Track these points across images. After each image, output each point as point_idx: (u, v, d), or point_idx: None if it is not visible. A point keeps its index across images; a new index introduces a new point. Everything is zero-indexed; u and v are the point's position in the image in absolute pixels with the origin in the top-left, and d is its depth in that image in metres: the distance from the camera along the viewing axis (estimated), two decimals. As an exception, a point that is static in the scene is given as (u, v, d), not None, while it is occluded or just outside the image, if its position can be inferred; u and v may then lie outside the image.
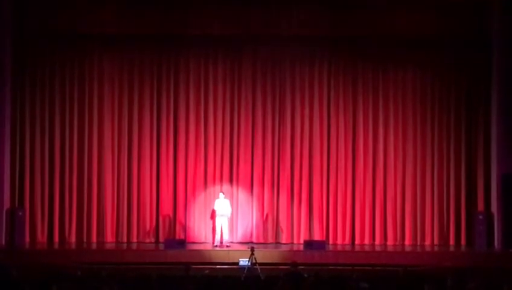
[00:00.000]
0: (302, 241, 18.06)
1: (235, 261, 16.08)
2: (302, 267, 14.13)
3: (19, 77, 18.28)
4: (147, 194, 18.53)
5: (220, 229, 17.59)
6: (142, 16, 18.04)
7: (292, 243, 18.46)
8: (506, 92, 17.74)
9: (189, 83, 18.76)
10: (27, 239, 17.93)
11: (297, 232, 18.57)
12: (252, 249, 15.17)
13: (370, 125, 18.73)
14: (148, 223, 18.50)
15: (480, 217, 17.76)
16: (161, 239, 18.27)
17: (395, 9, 18.10)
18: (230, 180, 18.65)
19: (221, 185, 18.50)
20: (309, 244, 17.47)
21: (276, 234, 18.57)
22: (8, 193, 17.92)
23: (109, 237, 18.37)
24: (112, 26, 18.07)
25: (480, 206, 18.20)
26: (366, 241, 18.48)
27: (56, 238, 18.25)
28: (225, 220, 17.64)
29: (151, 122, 18.65)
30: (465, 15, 18.00)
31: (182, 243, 17.46)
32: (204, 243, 18.25)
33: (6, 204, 17.83)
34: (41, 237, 18.24)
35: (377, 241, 18.46)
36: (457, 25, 18.00)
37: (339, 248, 18.17)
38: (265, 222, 18.57)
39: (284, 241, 18.50)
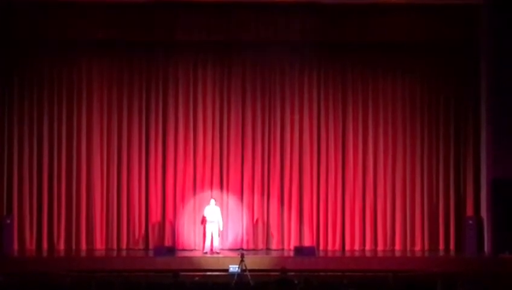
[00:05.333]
0: (292, 247, 18.04)
1: (225, 267, 16.03)
2: (292, 273, 14.11)
3: (7, 84, 18.23)
4: (136, 201, 18.47)
5: (210, 236, 17.55)
6: (130, 21, 18.00)
7: (282, 249, 18.43)
8: (495, 98, 17.79)
9: (178, 89, 18.73)
10: (15, 247, 17.85)
11: (287, 238, 18.54)
12: (242, 256, 15.13)
13: (359, 131, 18.75)
14: (138, 231, 18.44)
15: (470, 222, 17.78)
16: (151, 246, 18.21)
17: (384, 16, 18.12)
18: (220, 187, 18.61)
19: (211, 191, 18.46)
20: (299, 250, 17.46)
21: (267, 240, 18.54)
22: (-5, 201, 17.88)
23: (98, 244, 18.29)
24: (101, 32, 18.01)
25: (470, 211, 18.24)
26: (356, 247, 18.48)
27: (45, 246, 18.16)
28: (215, 227, 17.60)
29: (140, 129, 18.60)
30: (454, 21, 18.05)
31: (172, 250, 17.42)
32: (194, 250, 18.20)
33: (-6, 212, 17.79)
34: (30, 244, 18.15)
35: (367, 247, 18.47)
36: (446, 31, 18.05)
37: (329, 254, 18.16)
38: (255, 228, 18.54)
39: (274, 248, 18.47)
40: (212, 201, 17.78)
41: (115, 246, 18.33)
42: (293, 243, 18.33)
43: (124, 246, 18.33)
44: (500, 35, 17.65)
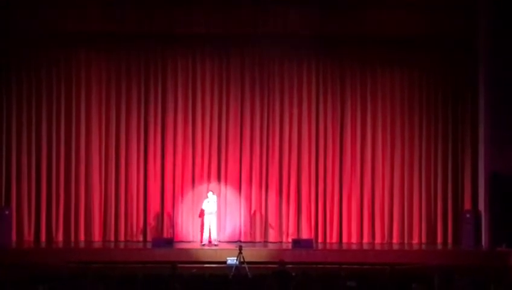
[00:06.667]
0: (290, 240, 18.05)
1: (223, 260, 16.06)
2: (290, 266, 14.14)
3: (4, 76, 18.20)
4: (134, 193, 18.48)
5: (208, 228, 17.59)
6: (128, 14, 17.95)
7: (280, 241, 18.46)
8: (493, 91, 17.79)
9: (176, 82, 18.73)
10: (14, 238, 17.84)
11: (285, 231, 18.57)
12: (240, 248, 15.15)
13: (358, 124, 18.76)
14: (136, 222, 18.45)
15: (468, 215, 17.81)
16: (149, 238, 18.23)
17: (383, 10, 18.08)
18: (218, 179, 18.63)
19: (209, 183, 18.48)
20: (297, 243, 17.47)
21: (265, 232, 18.57)
22: (-6, 192, 17.89)
23: (97, 236, 18.32)
24: (98, 25, 17.96)
25: (468, 204, 18.27)
26: (354, 239, 18.51)
27: (43, 238, 18.18)
28: (213, 218, 17.64)
29: (138, 122, 18.60)
30: (452, 15, 18.03)
31: (170, 242, 17.44)
32: (192, 241, 18.23)
33: (-7, 203, 17.80)
34: (28, 236, 18.17)
35: (365, 240, 18.51)
36: (445, 25, 18.03)
37: (327, 246, 18.17)
38: (253, 220, 18.56)
39: (272, 240, 18.49)
40: (210, 193, 17.81)
41: (113, 238, 18.34)
42: (291, 235, 18.35)
43: (122, 238, 18.35)
44: (499, 30, 17.61)
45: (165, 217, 18.50)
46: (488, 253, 17.18)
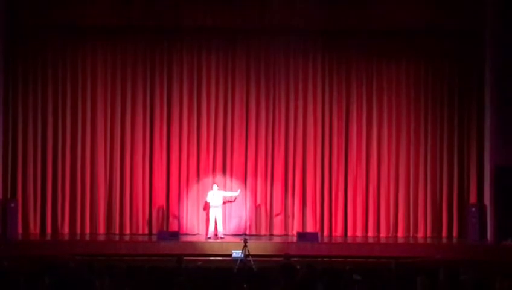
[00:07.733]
0: (295, 233, 18.07)
1: (228, 253, 16.10)
2: (295, 259, 14.15)
3: (11, 70, 18.21)
4: (139, 185, 18.50)
5: (213, 221, 17.61)
6: (133, 7, 17.95)
7: (285, 235, 18.47)
8: (499, 84, 17.78)
9: (182, 75, 18.72)
10: (19, 231, 17.91)
11: (290, 224, 18.58)
12: (245, 241, 15.17)
13: (364, 117, 18.73)
14: (141, 215, 18.47)
15: (473, 209, 17.80)
16: (154, 231, 18.25)
17: (389, 2, 18.07)
18: (224, 172, 18.64)
19: (214, 176, 18.49)
20: (302, 236, 17.49)
21: (270, 225, 18.58)
22: (0, 184, 17.87)
23: (102, 228, 18.35)
24: (104, 18, 17.97)
25: (473, 198, 18.25)
26: (359, 233, 18.51)
27: (48, 230, 18.24)
28: (219, 211, 17.65)
29: (144, 114, 18.61)
30: (458, 7, 18.00)
31: (175, 235, 17.47)
32: (198, 234, 18.26)
33: (-1, 195, 17.83)
34: (34, 228, 18.22)
35: (370, 233, 18.50)
36: (451, 18, 17.99)
37: (332, 239, 18.18)
38: (258, 213, 18.57)
39: (277, 233, 18.51)
40: (215, 186, 17.84)
41: (118, 231, 18.37)
42: (296, 228, 18.37)
43: (128, 231, 18.37)
44: (506, 23, 17.57)
45: (170, 209, 18.52)
46: (493, 247, 17.19)
